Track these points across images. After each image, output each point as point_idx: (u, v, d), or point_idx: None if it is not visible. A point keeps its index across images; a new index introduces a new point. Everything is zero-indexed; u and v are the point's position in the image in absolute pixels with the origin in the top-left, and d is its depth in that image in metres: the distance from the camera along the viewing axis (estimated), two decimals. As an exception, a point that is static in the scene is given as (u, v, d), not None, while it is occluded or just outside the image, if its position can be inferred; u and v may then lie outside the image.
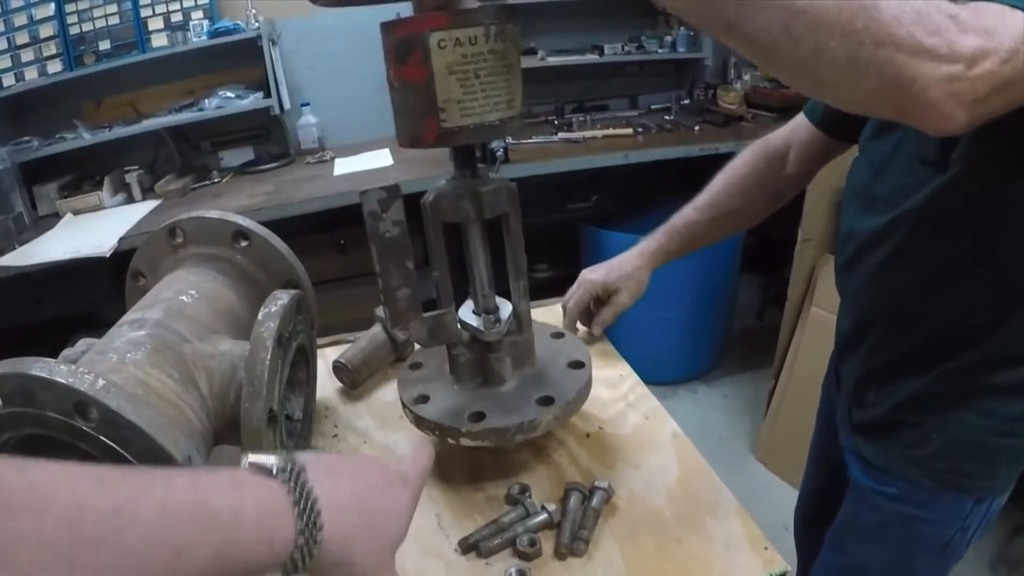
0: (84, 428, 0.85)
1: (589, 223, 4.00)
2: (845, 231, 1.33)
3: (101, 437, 0.85)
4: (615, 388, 1.46)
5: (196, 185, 3.96)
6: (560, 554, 1.04)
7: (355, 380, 1.48)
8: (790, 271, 3.27)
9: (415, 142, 1.02)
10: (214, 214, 1.34)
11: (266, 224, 3.10)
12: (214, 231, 1.34)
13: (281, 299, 1.10)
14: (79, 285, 3.23)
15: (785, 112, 3.92)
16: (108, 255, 3.13)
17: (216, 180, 4.02)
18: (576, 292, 1.64)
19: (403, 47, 0.96)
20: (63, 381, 0.84)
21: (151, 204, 3.78)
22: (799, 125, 1.54)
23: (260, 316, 1.06)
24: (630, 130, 3.99)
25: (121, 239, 3.23)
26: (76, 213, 3.82)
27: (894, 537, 1.35)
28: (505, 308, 1.20)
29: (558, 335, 1.37)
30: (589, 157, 3.66)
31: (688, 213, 1.64)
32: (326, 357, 1.57)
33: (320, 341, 1.60)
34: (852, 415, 1.40)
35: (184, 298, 1.21)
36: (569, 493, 1.11)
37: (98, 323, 4.14)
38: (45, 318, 3.42)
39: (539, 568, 1.02)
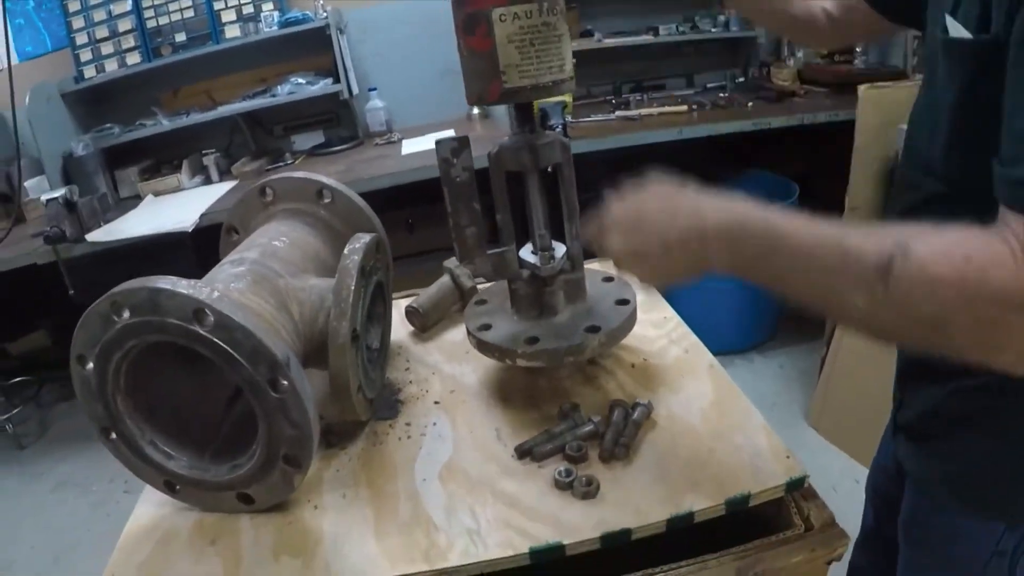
0: (201, 332, 1.02)
1: (647, 197, 4.04)
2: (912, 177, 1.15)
3: (215, 339, 1.02)
4: (659, 328, 1.60)
5: (270, 167, 4.16)
6: (603, 458, 1.18)
7: (425, 323, 1.65)
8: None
9: (480, 100, 1.21)
10: (299, 174, 1.51)
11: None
12: (300, 189, 1.51)
13: (363, 238, 1.27)
14: (162, 259, 3.31)
15: (839, 87, 4.03)
16: (190, 230, 3.34)
17: (289, 162, 4.23)
18: None
19: (471, 21, 1.14)
20: (185, 292, 1.02)
21: (228, 184, 4.01)
22: None
23: (346, 251, 1.24)
24: (685, 107, 4.10)
25: (202, 215, 3.44)
26: (156, 194, 4.05)
27: (935, 550, 1.27)
28: (560, 249, 1.36)
29: (608, 279, 1.51)
30: (644, 132, 3.79)
31: None
32: (399, 307, 1.73)
33: (396, 294, 1.77)
34: (897, 412, 1.33)
35: (277, 243, 1.39)
36: (613, 408, 1.26)
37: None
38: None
39: (584, 470, 1.16)
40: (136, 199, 4.06)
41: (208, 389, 1.29)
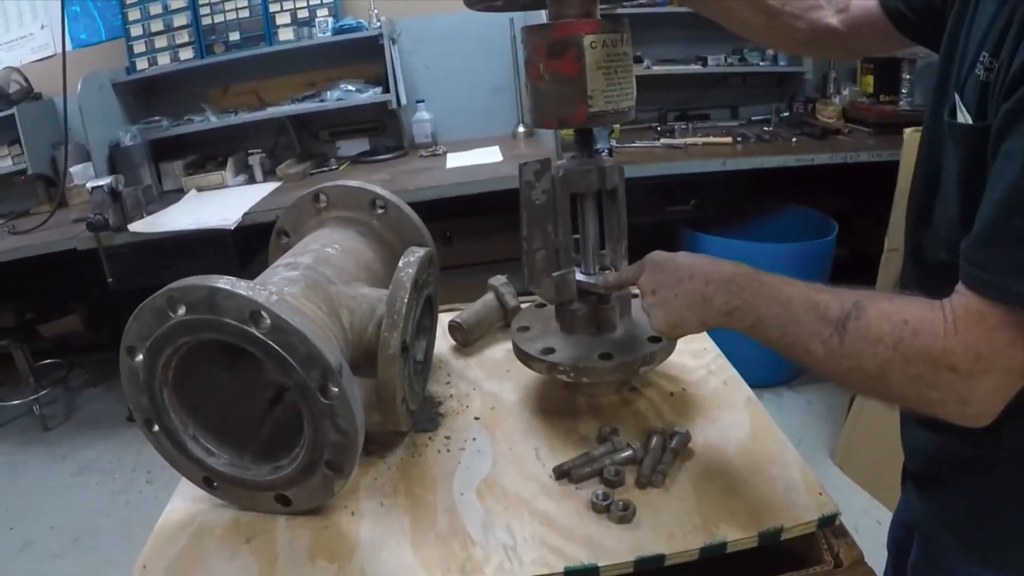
0: (256, 334, 1.04)
1: (687, 226, 4.12)
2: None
3: (270, 342, 1.04)
4: (699, 358, 1.62)
5: (315, 171, 4.21)
6: (640, 484, 1.19)
7: (468, 339, 1.67)
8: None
9: (562, 123, 1.25)
10: (354, 183, 1.53)
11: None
12: (354, 197, 1.53)
13: (418, 252, 1.29)
14: (202, 255, 3.44)
15: (882, 127, 4.03)
16: (232, 228, 3.38)
17: (334, 167, 4.27)
18: None
19: (559, 46, 1.17)
20: (244, 293, 1.04)
21: (272, 185, 4.05)
22: None
23: (400, 263, 1.26)
24: (729, 139, 4.12)
25: (245, 214, 3.48)
26: (200, 190, 4.10)
27: None
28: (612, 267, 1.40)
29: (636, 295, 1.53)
30: (689, 162, 3.81)
31: None
32: (441, 321, 1.75)
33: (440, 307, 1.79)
34: (906, 459, 1.34)
35: (330, 250, 1.41)
36: (652, 435, 1.28)
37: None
38: (166, 281, 3.64)
39: (621, 494, 1.17)
40: (179, 193, 4.11)
41: (252, 389, 1.31)
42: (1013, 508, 1.10)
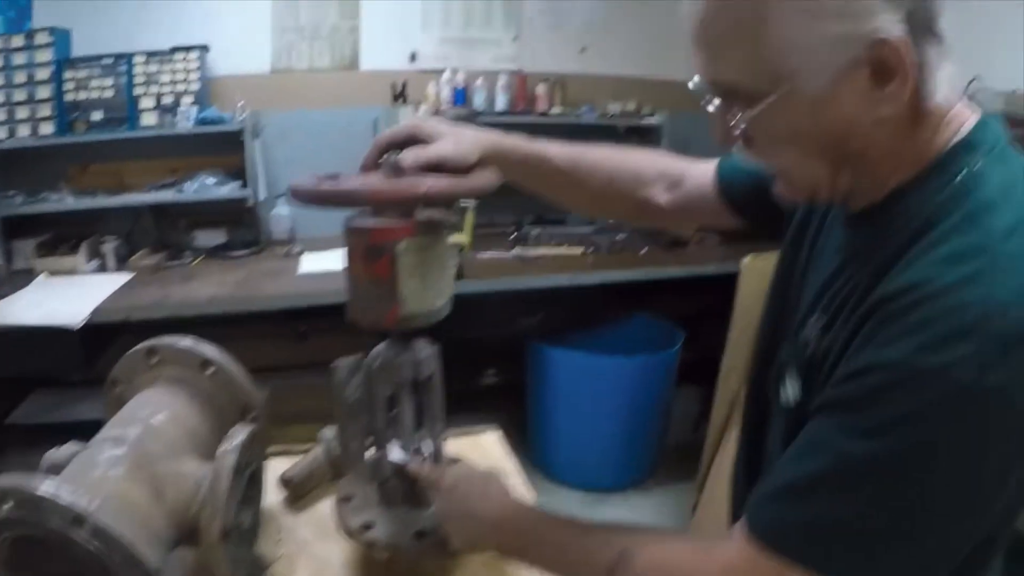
0: (78, 539, 1.07)
1: (535, 339, 4.23)
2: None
3: (91, 548, 1.07)
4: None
5: (168, 264, 4.15)
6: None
7: (298, 493, 1.69)
8: (719, 390, 3.46)
9: (375, 325, 1.27)
10: (186, 342, 1.55)
11: (231, 315, 3.27)
12: (185, 356, 1.55)
13: (239, 436, 1.32)
14: (48, 351, 3.35)
15: (731, 236, 4.15)
16: (78, 328, 3.31)
17: (188, 261, 4.21)
18: (394, 127, 1.38)
19: (374, 251, 1.20)
20: (65, 503, 1.07)
21: (124, 277, 3.96)
22: (706, 170, 1.49)
23: (219, 451, 1.28)
24: (580, 250, 4.25)
25: (93, 311, 3.40)
26: (51, 274, 3.99)
27: None
28: (427, 446, 1.44)
29: (454, 461, 1.55)
30: (538, 277, 3.93)
31: (554, 148, 1.49)
32: (273, 467, 1.76)
33: (272, 448, 1.80)
34: None
35: (157, 419, 1.42)
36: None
37: (59, 383, 4.25)
38: (9, 374, 3.61)
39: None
40: (29, 274, 3.99)
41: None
42: None
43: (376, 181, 1.21)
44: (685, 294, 4.32)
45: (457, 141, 1.31)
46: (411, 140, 1.31)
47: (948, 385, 0.82)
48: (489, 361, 4.80)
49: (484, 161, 1.34)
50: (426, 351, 1.38)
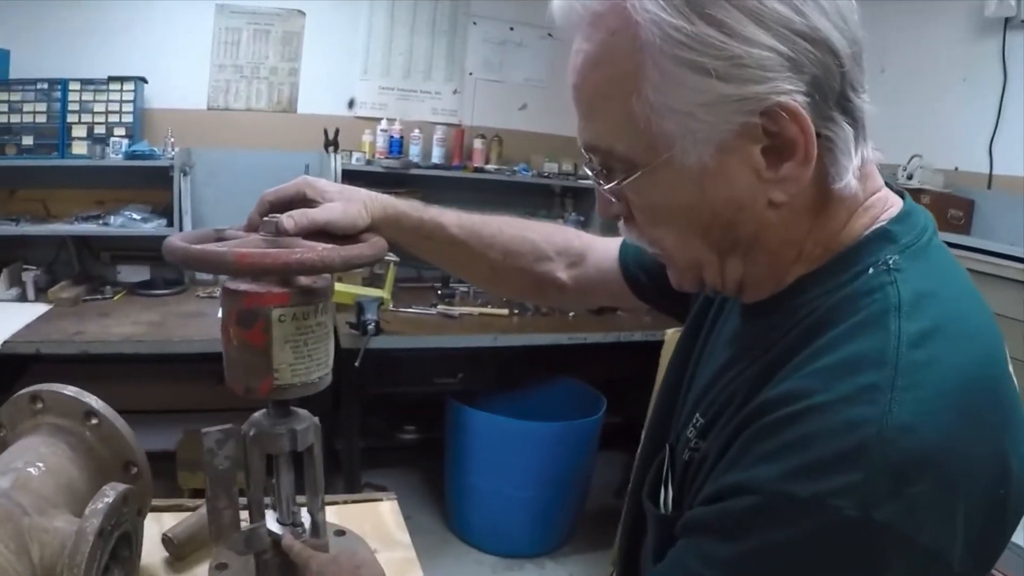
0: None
1: (455, 398, 4.15)
2: None
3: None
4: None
5: (88, 297, 4.05)
6: None
7: (180, 553, 1.63)
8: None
9: (248, 392, 1.19)
10: (71, 391, 1.48)
11: (143, 355, 3.20)
12: (69, 406, 1.48)
13: (108, 497, 1.26)
14: None
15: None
16: (-11, 358, 3.22)
17: (108, 296, 4.13)
18: (284, 185, 1.29)
19: (248, 316, 1.13)
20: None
21: (42, 308, 3.88)
22: (609, 248, 1.44)
23: (87, 511, 1.22)
24: (506, 311, 4.20)
25: (5, 342, 3.32)
26: (-32, 300, 3.86)
27: None
28: (304, 517, 1.37)
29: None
30: (460, 336, 3.89)
31: (450, 215, 1.41)
32: (161, 522, 1.70)
33: (160, 503, 1.74)
34: None
35: (32, 470, 1.36)
36: None
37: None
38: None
39: None
40: (-53, 298, 3.90)
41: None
42: None
43: (253, 243, 1.16)
44: (612, 359, 4.31)
45: (347, 204, 1.25)
46: (299, 199, 1.25)
47: (824, 518, 0.72)
48: (408, 417, 4.73)
49: (375, 226, 1.28)
50: (305, 422, 1.30)
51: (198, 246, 1.11)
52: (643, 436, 1.25)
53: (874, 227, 0.88)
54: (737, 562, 0.77)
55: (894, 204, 0.92)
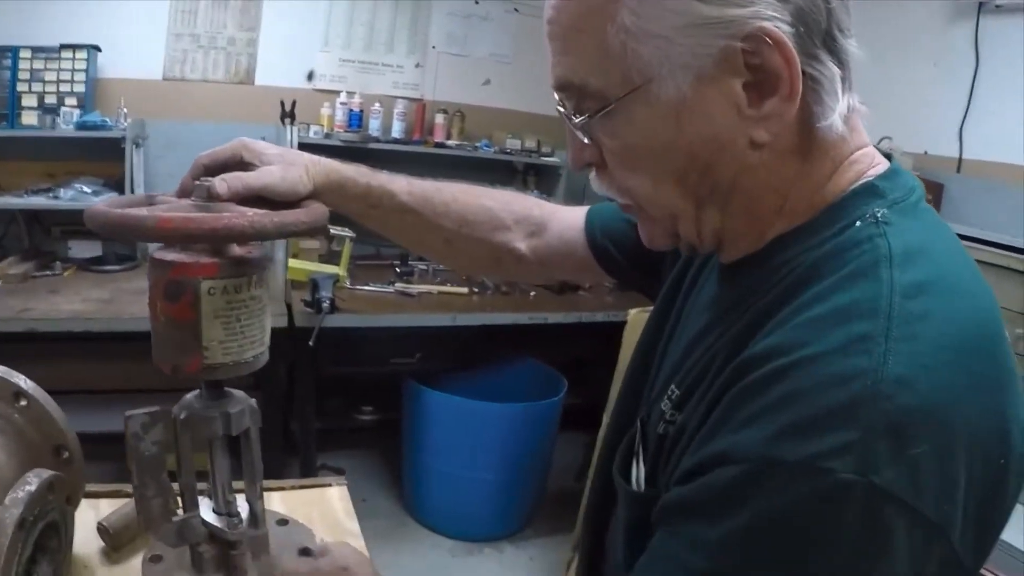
0: None
1: (413, 378, 4.08)
2: None
3: None
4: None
5: (37, 273, 3.94)
6: None
7: (115, 544, 1.55)
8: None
9: (176, 371, 1.10)
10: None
11: (94, 333, 3.13)
12: (-3, 386, 1.41)
13: (30, 484, 1.18)
14: None
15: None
16: (-72, 337, 3.13)
17: (58, 272, 4.01)
18: (220, 148, 1.23)
19: (174, 288, 1.04)
20: None
21: (-11, 285, 3.76)
22: (575, 217, 1.38)
23: (6, 500, 1.14)
24: (466, 289, 4.14)
25: (-55, 322, 3.20)
26: (-87, 276, 3.76)
27: None
28: (243, 508, 1.29)
29: (283, 522, 1.44)
30: (418, 315, 3.83)
31: (400, 182, 1.33)
32: (99, 509, 1.62)
33: (99, 488, 1.66)
34: None
35: (-47, 454, 1.28)
36: None
37: None
38: None
39: None
40: None
41: None
42: None
43: (181, 209, 1.07)
44: (573, 339, 4.26)
45: (286, 167, 1.17)
46: (235, 162, 1.18)
47: (817, 483, 0.66)
48: (366, 398, 4.65)
49: (318, 193, 1.21)
50: (240, 404, 1.20)
51: (118, 210, 1.02)
52: (611, 412, 1.20)
53: (860, 182, 0.84)
54: (727, 542, 0.71)
55: (881, 163, 0.87)
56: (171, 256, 1.05)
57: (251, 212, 1.03)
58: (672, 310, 1.10)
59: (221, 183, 1.08)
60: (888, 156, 0.90)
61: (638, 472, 0.97)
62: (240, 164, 1.17)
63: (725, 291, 0.94)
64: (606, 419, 3.19)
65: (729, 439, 0.72)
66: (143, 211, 1.02)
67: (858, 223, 0.80)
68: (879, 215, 0.80)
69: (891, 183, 0.84)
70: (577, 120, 0.86)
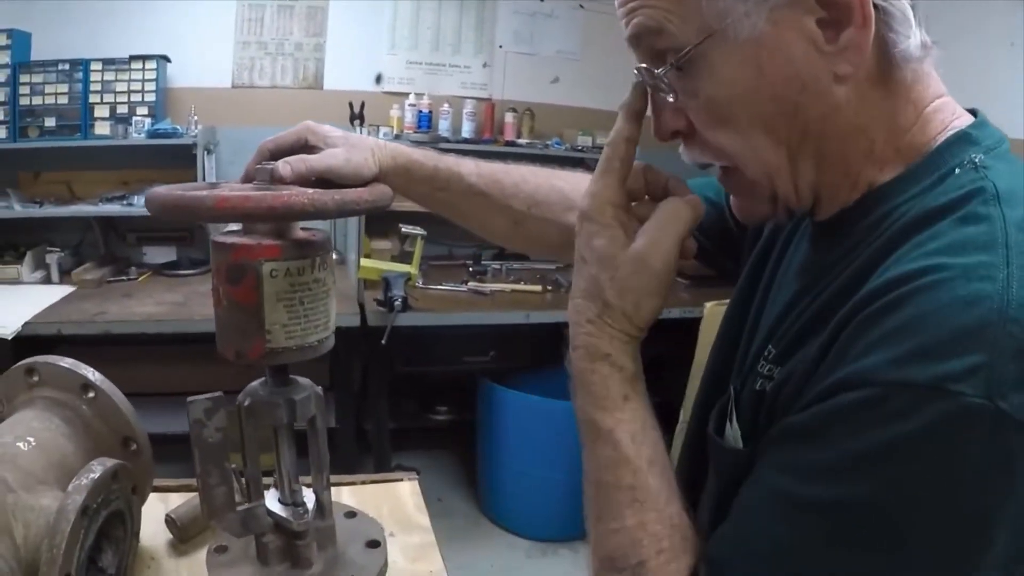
0: None
1: (487, 377, 4.06)
2: None
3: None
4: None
5: (112, 279, 4.01)
6: None
7: (184, 535, 1.54)
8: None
9: (239, 357, 1.08)
10: (67, 363, 1.40)
11: (167, 336, 3.16)
12: (65, 378, 1.40)
13: (94, 472, 1.16)
14: None
15: (700, 279, 4.05)
16: (10, 338, 3.21)
17: (133, 277, 4.09)
18: (285, 132, 1.21)
19: (236, 271, 1.03)
20: None
21: (66, 290, 3.85)
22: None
23: (70, 487, 1.13)
24: (540, 287, 4.11)
25: (26, 323, 3.28)
26: (-5, 281, 3.86)
27: None
28: (309, 496, 1.27)
29: (351, 514, 1.42)
30: (491, 313, 3.80)
31: (468, 164, 1.31)
32: (168, 503, 1.61)
33: (169, 483, 1.65)
34: None
35: (21, 445, 1.27)
36: None
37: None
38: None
39: None
40: (-28, 279, 3.88)
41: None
42: None
43: (242, 191, 1.04)
44: (648, 336, 4.19)
45: (350, 150, 1.15)
46: (300, 146, 1.16)
47: (945, 406, 0.63)
48: (440, 397, 4.64)
49: (383, 176, 1.18)
50: (305, 391, 1.19)
51: (178, 191, 1.01)
52: (698, 390, 1.18)
53: (950, 131, 0.83)
54: (842, 468, 0.69)
55: (963, 114, 0.86)
56: (233, 239, 1.04)
57: (310, 191, 1.01)
58: (760, 283, 1.07)
59: (284, 165, 1.06)
60: (973, 112, 0.89)
61: (733, 433, 0.94)
62: (305, 149, 1.16)
63: (821, 251, 0.91)
64: (684, 411, 3.15)
65: (851, 367, 0.70)
66: (203, 192, 1.00)
67: (957, 170, 0.79)
68: (977, 160, 0.79)
69: (982, 132, 0.83)
70: (659, 72, 0.85)
